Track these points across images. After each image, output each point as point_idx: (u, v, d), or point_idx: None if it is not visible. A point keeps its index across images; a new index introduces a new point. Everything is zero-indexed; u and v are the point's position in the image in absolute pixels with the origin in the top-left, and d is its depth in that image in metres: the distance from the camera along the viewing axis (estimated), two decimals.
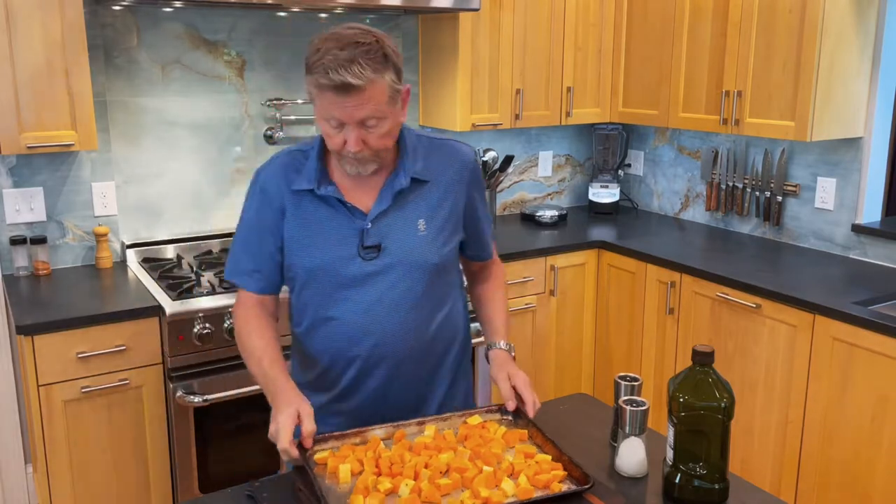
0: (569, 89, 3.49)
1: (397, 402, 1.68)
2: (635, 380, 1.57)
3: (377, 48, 1.44)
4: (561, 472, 1.38)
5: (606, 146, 3.83)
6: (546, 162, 3.90)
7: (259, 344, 1.61)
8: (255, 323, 1.64)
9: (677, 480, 1.40)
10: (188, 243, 3.02)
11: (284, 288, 1.71)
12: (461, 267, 1.82)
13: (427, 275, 1.62)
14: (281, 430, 1.41)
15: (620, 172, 3.89)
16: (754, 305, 2.69)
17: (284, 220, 1.61)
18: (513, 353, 1.71)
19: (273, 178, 1.63)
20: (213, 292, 2.56)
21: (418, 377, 1.69)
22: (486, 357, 1.72)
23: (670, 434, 1.40)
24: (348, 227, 1.59)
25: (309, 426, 1.44)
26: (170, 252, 2.99)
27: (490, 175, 3.50)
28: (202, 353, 2.47)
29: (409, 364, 1.65)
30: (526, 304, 3.18)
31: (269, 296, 1.68)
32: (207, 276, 2.73)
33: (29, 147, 2.45)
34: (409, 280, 1.61)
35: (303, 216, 1.60)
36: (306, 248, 1.60)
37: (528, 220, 3.67)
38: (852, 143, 2.97)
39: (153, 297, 2.51)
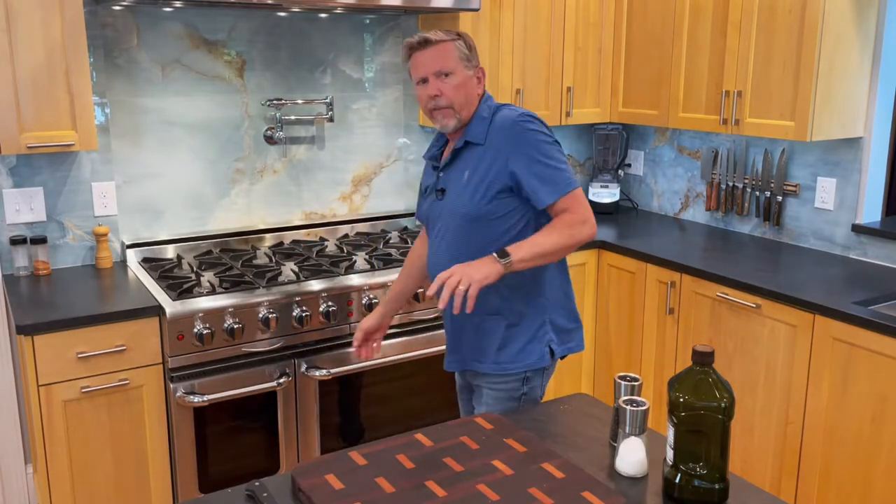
0: (569, 89, 3.49)
1: (461, 348, 2.04)
2: (635, 380, 1.57)
3: (449, 30, 1.97)
4: None
5: (606, 146, 3.83)
6: None
7: (401, 269, 2.28)
8: (412, 251, 2.25)
9: (677, 480, 1.40)
10: (188, 243, 3.02)
11: None
12: None
13: (463, 222, 1.94)
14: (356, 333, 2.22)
15: (620, 172, 3.89)
16: (754, 305, 2.69)
17: (424, 174, 2.16)
18: (502, 261, 1.77)
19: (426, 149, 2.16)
20: (213, 292, 2.56)
21: (467, 326, 1.99)
22: None
23: (670, 434, 1.40)
24: (434, 177, 2.06)
25: (357, 336, 2.21)
26: (170, 252, 2.99)
27: None
28: (202, 353, 2.48)
29: (455, 313, 1.79)
30: None
31: (423, 223, 2.18)
32: (207, 276, 2.73)
33: (29, 147, 2.45)
34: (452, 225, 1.96)
35: (427, 170, 2.14)
36: (425, 191, 2.12)
37: None
38: (852, 143, 2.97)
39: (153, 297, 2.51)
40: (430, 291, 1.78)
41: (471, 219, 1.92)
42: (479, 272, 1.74)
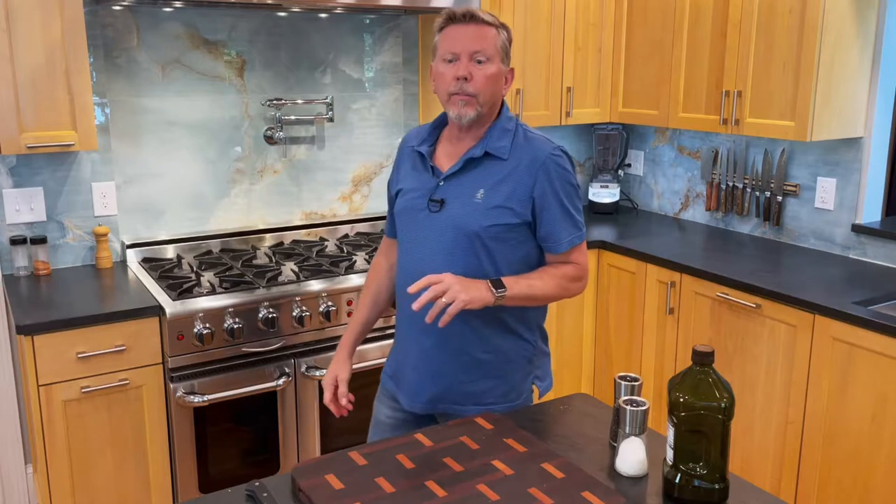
0: (569, 89, 3.49)
1: (442, 386, 1.80)
2: (635, 380, 1.57)
3: (494, 15, 1.78)
4: None
5: (606, 146, 3.83)
6: None
7: (363, 293, 2.03)
8: (372, 271, 2.02)
9: (677, 480, 1.40)
10: (188, 243, 3.02)
11: None
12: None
13: (469, 241, 1.73)
14: (324, 389, 1.93)
15: (620, 172, 3.89)
16: (754, 305, 2.69)
17: (400, 172, 1.89)
18: (496, 292, 1.65)
19: (407, 138, 1.91)
20: (213, 292, 2.56)
21: (453, 352, 1.78)
22: None
23: (670, 434, 1.40)
24: (428, 181, 1.79)
25: (342, 390, 1.91)
26: (170, 252, 2.99)
27: None
28: (202, 353, 2.48)
29: (442, 334, 1.68)
30: None
31: (393, 239, 1.94)
32: (207, 276, 2.73)
33: (29, 147, 2.45)
34: (453, 241, 1.73)
35: (407, 169, 1.86)
36: (402, 194, 1.84)
37: None
38: (852, 143, 2.97)
39: (153, 297, 2.51)
40: (413, 289, 1.62)
41: (481, 241, 1.73)
42: (467, 292, 1.61)
